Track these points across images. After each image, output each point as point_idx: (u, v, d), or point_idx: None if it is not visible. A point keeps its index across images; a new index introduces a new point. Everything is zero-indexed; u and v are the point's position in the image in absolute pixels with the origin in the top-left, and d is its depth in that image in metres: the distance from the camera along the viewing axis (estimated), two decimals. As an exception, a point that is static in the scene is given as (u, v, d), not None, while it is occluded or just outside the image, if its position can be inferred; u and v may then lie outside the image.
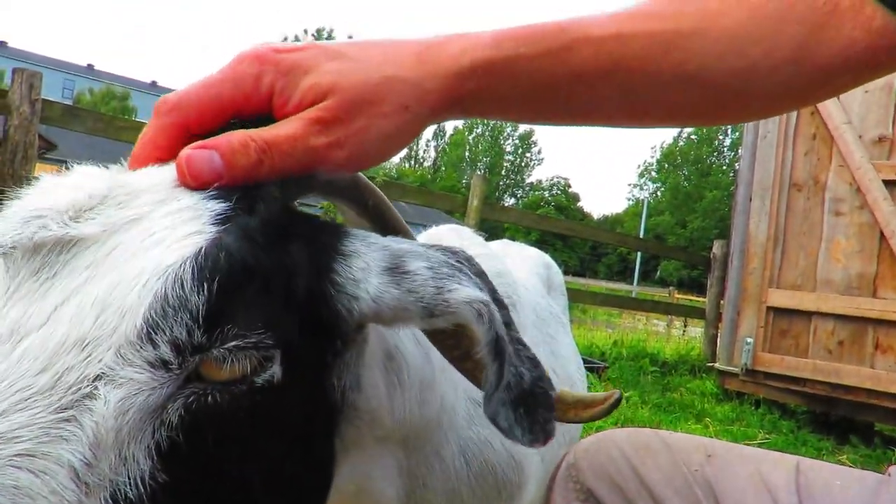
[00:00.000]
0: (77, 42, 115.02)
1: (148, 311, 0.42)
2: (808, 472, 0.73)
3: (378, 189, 0.63)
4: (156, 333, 0.42)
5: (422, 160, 67.24)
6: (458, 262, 0.52)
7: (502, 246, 1.72)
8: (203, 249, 0.43)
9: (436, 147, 66.95)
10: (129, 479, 0.41)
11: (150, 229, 0.45)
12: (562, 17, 0.54)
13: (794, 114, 5.00)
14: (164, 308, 0.42)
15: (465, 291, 0.49)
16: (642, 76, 0.52)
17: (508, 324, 0.52)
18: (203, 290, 0.42)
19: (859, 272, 4.69)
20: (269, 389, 0.45)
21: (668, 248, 15.04)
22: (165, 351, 0.42)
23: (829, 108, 4.73)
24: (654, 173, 60.33)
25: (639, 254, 34.73)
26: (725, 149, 55.04)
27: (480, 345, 0.50)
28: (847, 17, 0.50)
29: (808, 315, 4.88)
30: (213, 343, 0.43)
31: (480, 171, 57.55)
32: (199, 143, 0.47)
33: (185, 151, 0.46)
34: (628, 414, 4.44)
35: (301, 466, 0.52)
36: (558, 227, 8.04)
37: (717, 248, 6.63)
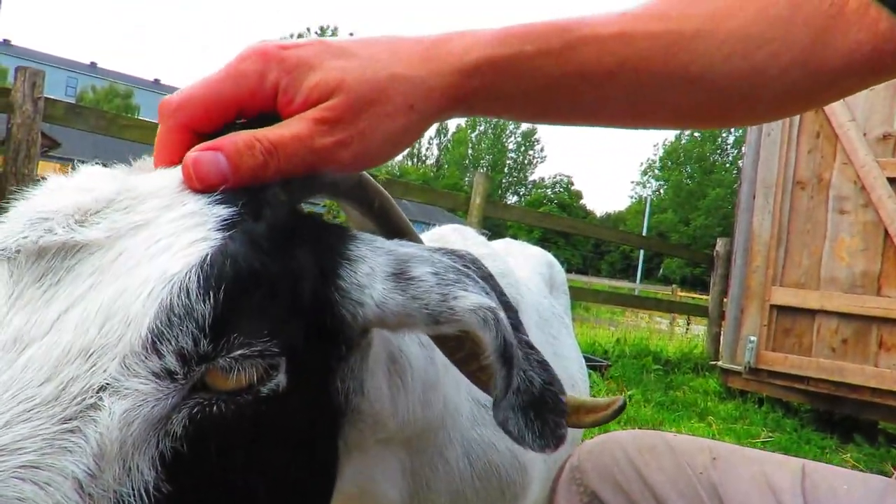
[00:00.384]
0: (80, 40, 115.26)
1: (153, 320, 0.41)
2: (814, 474, 0.72)
3: (383, 189, 0.63)
4: (161, 343, 0.41)
5: (424, 158, 67.25)
6: (464, 266, 0.51)
7: (505, 245, 1.72)
8: (209, 257, 0.43)
9: (438, 145, 66.95)
10: (132, 489, 0.41)
11: (155, 235, 0.44)
12: (566, 16, 0.54)
13: (798, 111, 4.98)
14: (169, 317, 0.41)
15: (470, 298, 0.48)
16: (647, 76, 0.51)
17: (517, 327, 0.51)
18: (209, 299, 0.41)
19: (863, 270, 4.67)
20: (274, 398, 0.45)
21: (671, 246, 15.02)
22: (171, 361, 0.41)
23: (834, 105, 4.71)
24: (657, 171, 60.24)
25: (641, 252, 34.69)
26: (729, 146, 54.98)
27: (488, 351, 0.49)
28: (853, 20, 0.49)
29: (811, 313, 4.87)
30: (218, 352, 0.42)
31: (483, 169, 57.53)
32: (205, 144, 0.47)
33: (191, 154, 0.46)
34: (631, 412, 4.43)
35: (304, 472, 0.52)
36: (561, 225, 8.03)
37: (720, 246, 6.61)
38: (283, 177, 0.49)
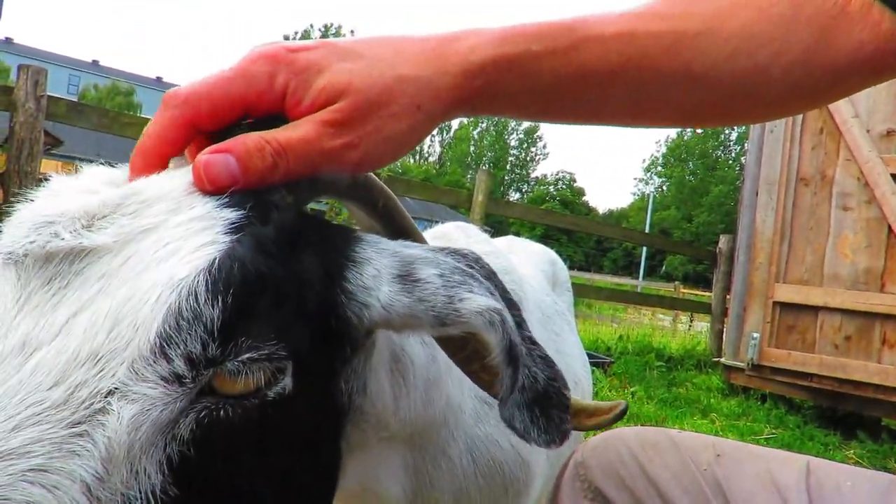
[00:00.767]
0: (82, 38, 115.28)
1: (161, 325, 0.41)
2: (818, 471, 0.72)
3: (388, 189, 0.63)
4: (169, 347, 0.41)
5: (427, 155, 67.23)
6: (468, 265, 0.51)
7: (507, 242, 1.72)
8: (217, 261, 0.43)
9: (441, 142, 66.91)
10: (140, 492, 0.41)
11: (163, 239, 0.44)
12: (570, 15, 0.54)
13: (802, 107, 4.96)
14: (177, 321, 0.41)
15: (476, 300, 0.48)
16: (650, 75, 0.51)
17: (520, 324, 0.51)
18: (217, 303, 0.41)
19: (867, 267, 4.66)
20: (280, 401, 0.45)
21: (674, 243, 14.99)
22: (179, 365, 0.41)
23: (837, 102, 4.69)
24: (660, 167, 60.16)
25: (644, 248, 34.67)
26: (732, 143, 54.83)
27: (494, 352, 0.50)
28: (855, 20, 0.50)
29: (814, 310, 4.86)
30: (226, 356, 0.42)
31: (485, 166, 57.49)
32: (215, 147, 0.47)
33: (202, 157, 0.46)
34: (634, 409, 4.44)
35: (308, 472, 0.52)
36: (563, 222, 8.03)
37: (723, 242, 6.60)
38: (291, 178, 0.49)
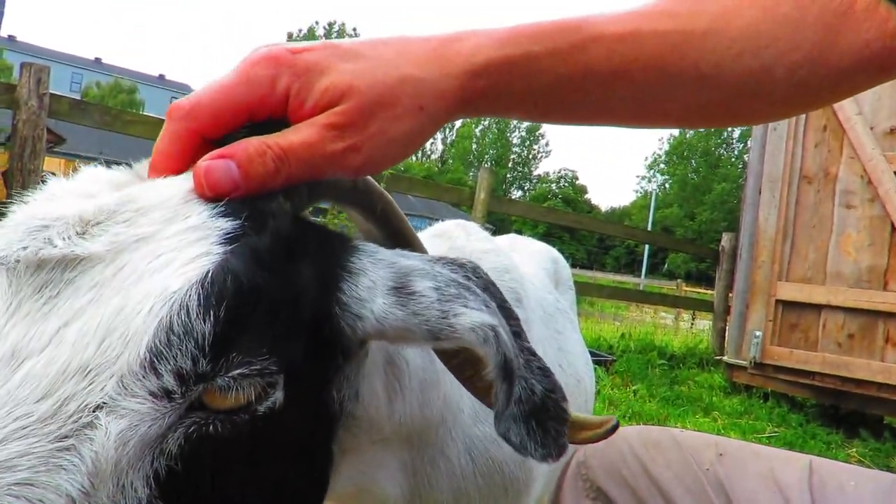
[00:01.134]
0: (84, 35, 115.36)
1: (152, 339, 0.41)
2: (821, 470, 0.72)
3: (387, 194, 0.62)
4: (159, 362, 0.41)
5: (429, 153, 67.21)
6: (465, 277, 0.50)
7: (510, 240, 1.72)
8: (210, 274, 0.42)
9: (443, 140, 66.88)
10: None
11: (156, 250, 0.44)
12: (575, 14, 0.53)
13: (805, 105, 4.95)
14: (168, 337, 0.41)
15: (470, 316, 0.48)
16: (655, 75, 0.51)
17: (518, 334, 0.51)
18: (209, 318, 0.41)
19: (870, 265, 4.65)
20: (270, 415, 0.45)
21: (677, 241, 14.98)
22: (169, 380, 0.41)
23: (841, 99, 4.68)
24: (662, 165, 60.07)
25: (647, 246, 34.64)
26: (734, 141, 54.71)
27: (489, 367, 0.49)
28: (862, 18, 0.49)
29: (817, 308, 4.86)
30: (217, 371, 0.42)
31: (487, 163, 57.43)
32: (216, 153, 0.46)
33: (202, 163, 0.46)
34: (636, 407, 4.44)
35: (298, 481, 0.51)
36: (565, 220, 8.02)
37: (725, 240, 6.59)
38: (293, 183, 0.49)
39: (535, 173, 65.26)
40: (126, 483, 0.41)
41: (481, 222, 4.95)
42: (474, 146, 64.00)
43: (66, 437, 0.40)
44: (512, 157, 64.60)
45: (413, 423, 0.72)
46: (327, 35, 53.57)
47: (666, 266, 46.26)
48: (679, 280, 24.76)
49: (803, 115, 4.99)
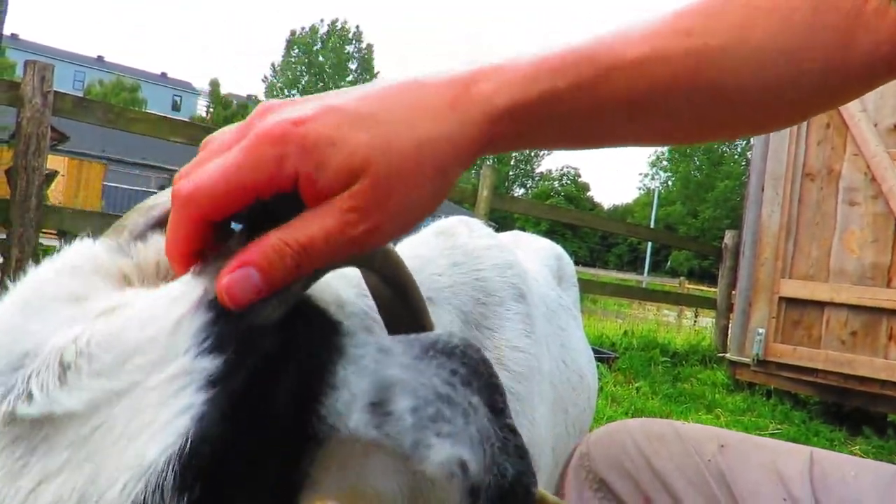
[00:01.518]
0: (86, 33, 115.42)
1: None
2: (823, 462, 0.73)
3: (402, 261, 0.59)
4: None
5: (431, 151, 66.93)
6: (451, 373, 0.49)
7: (513, 237, 1.72)
8: (189, 443, 0.40)
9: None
10: None
11: (136, 406, 0.42)
12: (592, 34, 0.53)
13: (808, 102, 4.95)
14: None
15: (440, 451, 0.46)
16: (677, 98, 0.50)
17: (501, 410, 0.49)
18: (184, 498, 0.39)
19: (873, 262, 4.65)
20: None
21: (679, 239, 14.97)
22: None
23: (844, 96, 4.67)
24: (665, 163, 59.97)
25: (649, 244, 34.62)
26: (737, 138, 54.50)
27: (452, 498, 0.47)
28: (872, 21, 0.49)
29: (820, 305, 4.85)
30: None
31: (490, 161, 57.32)
32: (235, 263, 0.44)
33: (224, 280, 0.44)
34: (638, 404, 4.44)
35: None
36: (568, 218, 8.01)
37: (728, 238, 6.59)
38: (312, 271, 0.47)
39: (538, 171, 65.19)
40: None
41: (484, 219, 4.95)
42: (477, 144, 63.75)
43: None
44: (514, 154, 64.52)
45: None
46: (330, 33, 53.55)
47: (669, 263, 46.20)
48: (682, 277, 24.73)
49: (806, 112, 4.98)
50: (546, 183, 62.67)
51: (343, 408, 0.46)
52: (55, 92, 3.34)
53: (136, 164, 26.98)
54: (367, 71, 54.76)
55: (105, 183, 20.26)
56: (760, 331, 5.12)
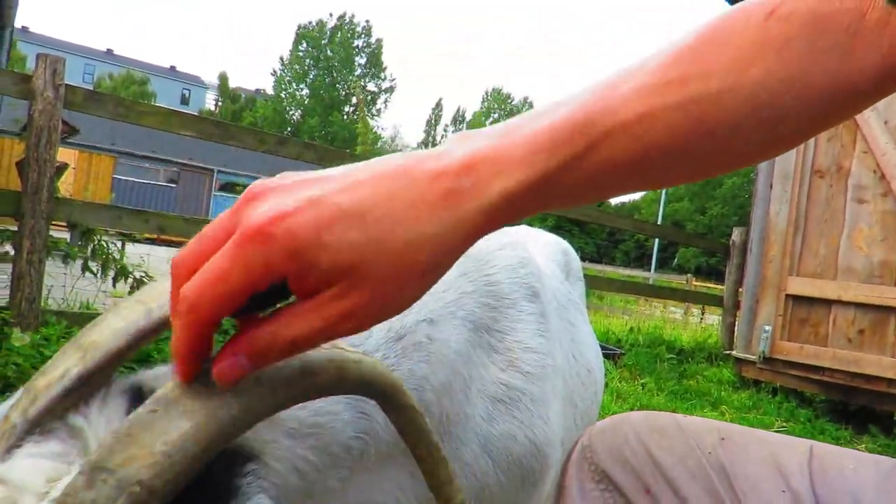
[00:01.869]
0: (97, 26, 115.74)
1: None
2: (822, 455, 0.73)
3: (414, 401, 0.56)
4: None
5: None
6: None
7: (522, 232, 1.73)
8: None
9: (454, 132, 66.58)
10: None
11: None
12: (583, 87, 0.52)
13: (818, 99, 4.93)
14: None
15: None
16: (675, 152, 0.49)
17: None
18: None
19: (882, 260, 4.63)
20: None
21: (687, 235, 14.89)
22: None
23: (854, 93, 4.65)
24: (673, 159, 59.58)
25: (656, 240, 34.47)
26: (747, 135, 54.12)
27: None
28: (874, 34, 0.47)
29: (828, 303, 4.84)
30: None
31: (497, 156, 56.94)
32: (225, 351, 0.46)
33: (217, 371, 0.46)
34: (644, 400, 4.45)
35: None
36: (575, 213, 7.98)
37: (736, 235, 6.56)
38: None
39: (546, 167, 64.86)
40: None
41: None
42: (484, 139, 63.58)
43: None
44: (522, 150, 64.15)
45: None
46: (337, 28, 53.48)
47: (676, 260, 46.03)
48: (689, 274, 24.63)
49: (816, 109, 4.96)
50: (553, 179, 62.39)
51: None
52: (66, 85, 3.36)
53: (145, 157, 27.13)
54: (375, 66, 54.71)
55: (115, 175, 20.37)
56: (767, 328, 5.11)
